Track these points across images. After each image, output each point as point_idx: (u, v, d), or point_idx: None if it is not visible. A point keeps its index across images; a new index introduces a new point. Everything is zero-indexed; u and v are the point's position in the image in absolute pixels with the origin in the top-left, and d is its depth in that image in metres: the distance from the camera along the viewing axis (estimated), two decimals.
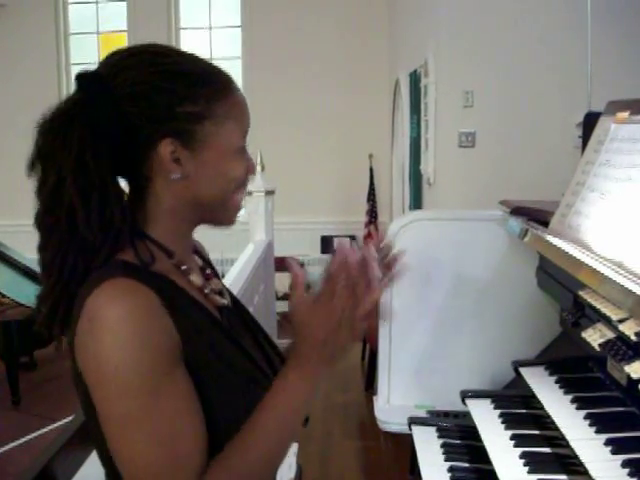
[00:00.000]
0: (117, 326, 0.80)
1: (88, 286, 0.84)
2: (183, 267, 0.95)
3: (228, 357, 0.92)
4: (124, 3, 7.01)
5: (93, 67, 0.93)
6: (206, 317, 0.94)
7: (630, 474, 1.09)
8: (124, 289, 0.83)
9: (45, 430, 3.92)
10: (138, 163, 0.91)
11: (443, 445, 1.56)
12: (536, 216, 1.67)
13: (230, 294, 1.09)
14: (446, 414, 1.72)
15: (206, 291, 0.98)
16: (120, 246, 0.88)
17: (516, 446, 1.36)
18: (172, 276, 0.92)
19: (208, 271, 1.06)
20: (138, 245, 0.89)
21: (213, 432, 0.86)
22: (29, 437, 3.88)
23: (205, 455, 0.85)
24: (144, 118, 0.88)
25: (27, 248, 5.42)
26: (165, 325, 0.84)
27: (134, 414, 0.81)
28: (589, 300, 1.27)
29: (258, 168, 4.30)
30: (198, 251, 1.10)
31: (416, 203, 4.81)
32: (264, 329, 1.12)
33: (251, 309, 3.47)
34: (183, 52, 0.96)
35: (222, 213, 0.97)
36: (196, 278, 0.96)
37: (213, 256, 1.17)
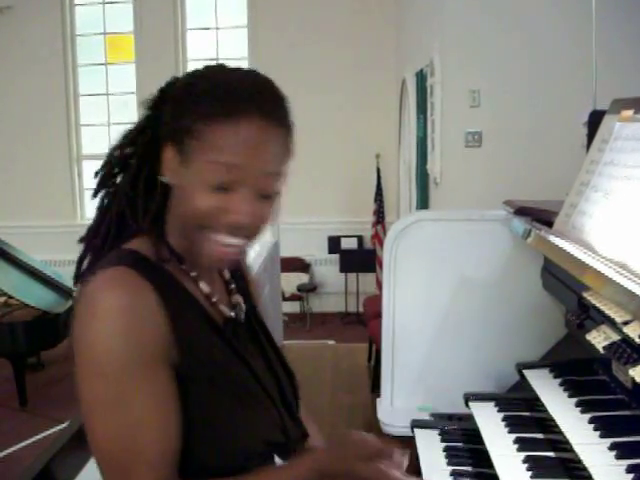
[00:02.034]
0: (107, 313, 0.84)
1: (94, 270, 0.89)
2: (192, 274, 0.97)
3: (223, 362, 0.93)
4: (130, 4, 7.01)
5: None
6: (204, 319, 0.95)
7: None
8: (122, 279, 0.87)
9: (52, 431, 3.92)
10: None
11: (446, 449, 1.54)
12: (540, 216, 1.66)
13: (255, 315, 1.09)
14: (449, 417, 1.70)
15: (214, 299, 0.99)
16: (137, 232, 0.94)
17: (519, 450, 1.34)
18: (181, 279, 0.95)
19: (232, 285, 1.07)
20: (160, 243, 0.93)
21: (189, 432, 0.88)
22: (36, 438, 3.89)
23: (167, 457, 0.85)
24: (163, 120, 0.93)
25: (32, 249, 5.44)
26: (155, 322, 0.87)
27: (104, 400, 0.84)
28: (593, 302, 1.25)
29: None
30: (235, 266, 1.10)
31: (423, 203, 4.79)
32: (283, 355, 1.11)
33: None
34: (231, 70, 0.95)
35: (200, 248, 0.92)
36: (204, 286, 0.98)
37: None
